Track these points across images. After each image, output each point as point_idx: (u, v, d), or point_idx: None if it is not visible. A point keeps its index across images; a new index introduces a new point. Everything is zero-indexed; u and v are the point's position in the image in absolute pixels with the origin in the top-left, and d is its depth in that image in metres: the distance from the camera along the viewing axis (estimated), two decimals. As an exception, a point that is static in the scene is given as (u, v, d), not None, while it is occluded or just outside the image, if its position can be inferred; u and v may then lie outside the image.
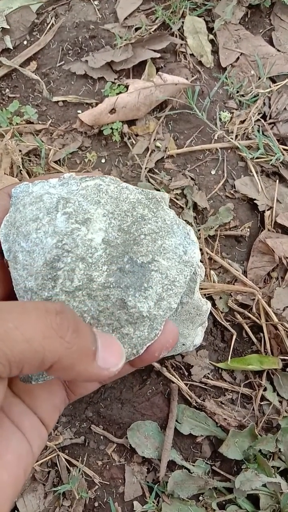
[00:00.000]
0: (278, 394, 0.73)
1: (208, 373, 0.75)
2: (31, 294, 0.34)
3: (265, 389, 0.73)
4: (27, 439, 0.32)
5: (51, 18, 0.99)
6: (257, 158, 0.85)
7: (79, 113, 0.90)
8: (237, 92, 0.92)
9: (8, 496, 0.29)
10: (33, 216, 0.35)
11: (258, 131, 0.88)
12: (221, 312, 0.77)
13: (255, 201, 0.83)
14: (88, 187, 0.37)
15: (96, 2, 1.00)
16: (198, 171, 0.86)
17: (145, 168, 0.85)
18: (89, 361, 0.29)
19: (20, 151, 0.85)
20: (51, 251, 0.34)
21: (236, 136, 0.88)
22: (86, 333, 0.29)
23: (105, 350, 0.30)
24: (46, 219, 0.35)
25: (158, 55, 0.92)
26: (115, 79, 0.93)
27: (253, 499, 0.69)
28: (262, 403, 0.73)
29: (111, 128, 0.87)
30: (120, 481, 0.71)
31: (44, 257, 0.34)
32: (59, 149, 0.88)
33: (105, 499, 0.70)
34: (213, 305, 0.77)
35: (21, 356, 0.25)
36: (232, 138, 0.87)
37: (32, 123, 0.90)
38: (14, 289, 0.35)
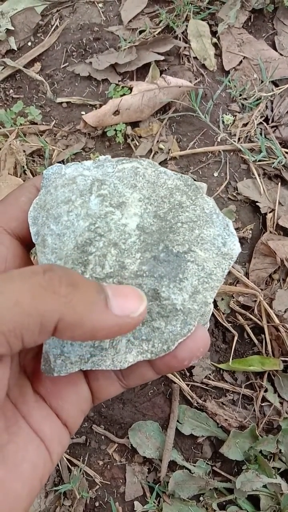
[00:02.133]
0: (279, 395, 0.74)
1: (210, 374, 0.75)
2: None
3: (266, 390, 0.74)
4: (46, 446, 0.30)
5: (56, 20, 1.00)
6: (259, 160, 0.86)
7: (83, 114, 0.91)
8: (240, 95, 0.93)
9: (22, 508, 0.28)
10: (65, 198, 0.34)
11: (261, 134, 0.88)
12: (223, 314, 0.77)
13: (257, 203, 0.83)
14: (124, 170, 0.35)
15: (100, 5, 1.01)
16: (200, 173, 0.87)
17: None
18: (101, 310, 0.26)
19: (24, 151, 0.85)
20: (83, 234, 0.32)
21: (239, 138, 0.88)
22: (85, 284, 0.26)
23: (118, 296, 0.27)
24: (79, 201, 0.33)
25: (162, 57, 0.92)
26: (119, 81, 0.93)
27: (254, 499, 0.69)
28: (263, 404, 0.74)
29: (115, 130, 0.87)
30: (121, 481, 0.71)
31: (75, 240, 0.32)
32: (63, 149, 0.88)
33: (106, 499, 0.70)
34: (215, 306, 0.77)
35: (13, 323, 0.23)
36: (234, 141, 0.88)
37: (36, 123, 0.91)
38: None
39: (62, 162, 0.87)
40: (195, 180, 0.85)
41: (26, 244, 0.35)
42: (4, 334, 0.23)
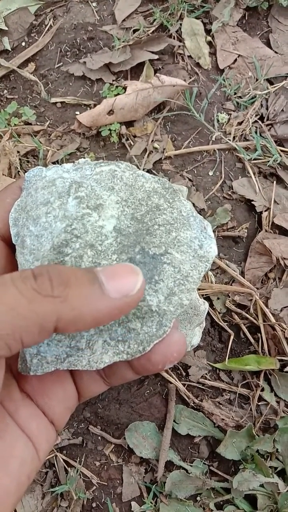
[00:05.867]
0: (275, 395, 0.74)
1: (206, 374, 0.75)
2: None
3: (262, 390, 0.74)
4: (33, 443, 0.31)
5: (49, 20, 0.99)
6: (254, 159, 0.86)
7: (77, 114, 0.90)
8: (235, 93, 0.92)
9: (11, 503, 0.29)
10: (44, 200, 0.34)
11: (256, 132, 0.88)
12: (219, 313, 0.77)
13: (252, 202, 0.83)
14: (102, 173, 0.36)
15: (94, 4, 1.01)
16: (195, 172, 0.87)
17: (143, 169, 0.85)
18: (98, 298, 0.26)
19: (18, 152, 0.85)
20: (59, 235, 0.32)
21: (234, 137, 0.88)
22: (77, 278, 0.27)
23: (112, 279, 0.27)
24: (57, 203, 0.34)
25: (156, 56, 0.92)
26: (113, 80, 0.93)
27: (251, 499, 0.69)
28: (259, 403, 0.74)
29: (109, 130, 0.87)
30: (118, 481, 0.71)
31: (52, 241, 0.33)
32: (57, 150, 0.88)
33: (103, 500, 0.70)
34: (211, 305, 0.77)
35: (12, 326, 0.24)
36: (229, 140, 0.87)
37: (30, 124, 0.91)
38: None
39: (57, 162, 0.87)
40: (190, 179, 0.84)
41: (11, 244, 0.35)
42: (3, 337, 0.23)
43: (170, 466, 0.71)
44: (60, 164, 0.37)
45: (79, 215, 0.33)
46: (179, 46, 0.95)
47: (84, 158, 0.86)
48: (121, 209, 0.34)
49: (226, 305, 0.77)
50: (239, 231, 0.82)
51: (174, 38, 0.96)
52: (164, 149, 0.87)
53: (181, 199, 0.37)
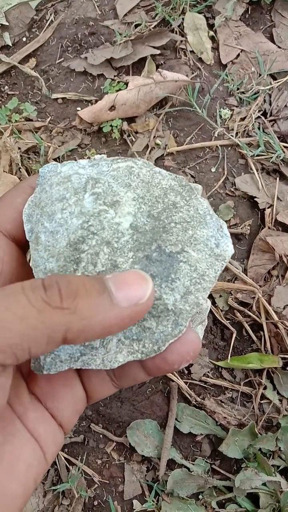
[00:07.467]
0: (278, 393, 0.73)
1: (208, 372, 0.75)
2: None
3: (265, 388, 0.73)
4: (40, 446, 0.31)
5: (50, 15, 0.98)
6: (257, 155, 0.85)
7: (78, 110, 0.90)
8: (238, 89, 0.91)
9: (17, 507, 0.28)
10: (59, 196, 0.34)
11: (259, 128, 0.87)
12: (221, 311, 0.77)
13: (255, 199, 0.82)
14: (119, 169, 0.36)
15: (95, -1, 1.00)
16: (198, 168, 0.86)
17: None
18: (107, 308, 0.26)
19: (19, 148, 0.84)
20: (76, 232, 0.32)
21: (237, 133, 0.87)
22: (86, 289, 0.26)
23: (121, 287, 0.27)
24: (73, 199, 0.34)
25: (158, 52, 0.91)
26: (114, 76, 0.92)
27: (253, 498, 0.68)
28: (262, 401, 0.73)
29: (111, 125, 0.86)
30: (120, 479, 0.71)
31: (68, 238, 0.32)
32: (59, 146, 0.87)
33: (104, 498, 0.70)
34: (213, 303, 0.77)
35: (21, 336, 0.24)
36: (232, 136, 0.87)
37: (31, 120, 0.90)
38: (33, 271, 0.33)
39: (58, 159, 0.86)
40: (192, 176, 0.84)
41: (22, 245, 0.35)
42: (11, 347, 0.24)
43: (172, 464, 0.70)
44: (76, 161, 0.37)
45: (96, 212, 0.33)
46: (181, 41, 0.94)
47: (86, 154, 0.86)
48: (138, 206, 0.34)
49: (228, 302, 0.76)
50: (242, 228, 0.81)
51: (176, 33, 0.95)
52: (166, 145, 0.87)
53: (197, 197, 0.37)
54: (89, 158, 0.38)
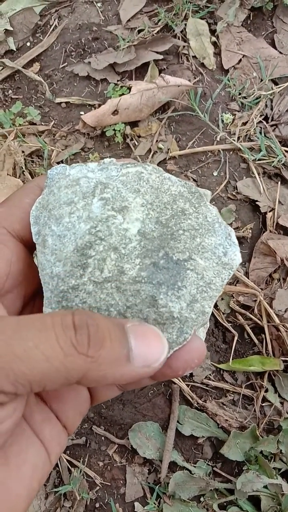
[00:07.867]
0: (279, 396, 0.73)
1: (210, 374, 0.75)
2: (57, 281, 0.32)
3: (266, 390, 0.73)
4: (45, 448, 0.31)
5: (54, 20, 0.99)
6: (259, 159, 0.86)
7: (81, 114, 0.90)
8: (239, 94, 0.92)
9: (22, 508, 0.29)
10: (67, 199, 0.34)
11: (260, 133, 0.88)
12: (223, 313, 0.77)
13: (257, 203, 0.83)
14: (128, 174, 0.35)
15: (99, 4, 1.01)
16: (200, 172, 0.86)
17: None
18: (123, 365, 0.27)
19: (23, 152, 0.85)
20: (83, 237, 0.32)
21: (238, 137, 0.88)
22: (112, 338, 0.27)
23: (140, 346, 0.28)
24: (81, 204, 0.33)
25: (161, 57, 0.92)
26: (117, 80, 0.93)
27: (254, 500, 0.69)
28: (263, 404, 0.73)
29: (114, 130, 0.87)
30: (121, 482, 0.71)
31: (75, 242, 0.32)
32: (62, 150, 0.88)
33: (106, 500, 0.70)
34: (215, 306, 0.77)
35: (42, 375, 0.25)
36: (234, 140, 0.87)
37: (35, 124, 0.91)
38: (40, 274, 0.33)
39: (61, 162, 0.87)
40: (194, 180, 0.84)
41: (29, 246, 0.35)
42: (31, 382, 0.25)
43: (173, 466, 0.71)
44: (85, 164, 0.36)
45: (104, 217, 0.33)
46: (184, 46, 0.95)
47: (89, 158, 0.86)
48: (146, 212, 0.34)
49: (230, 305, 0.77)
50: (243, 232, 0.82)
51: (179, 38, 0.96)
52: (168, 149, 0.87)
53: (207, 204, 0.36)
54: (95, 161, 0.38)
